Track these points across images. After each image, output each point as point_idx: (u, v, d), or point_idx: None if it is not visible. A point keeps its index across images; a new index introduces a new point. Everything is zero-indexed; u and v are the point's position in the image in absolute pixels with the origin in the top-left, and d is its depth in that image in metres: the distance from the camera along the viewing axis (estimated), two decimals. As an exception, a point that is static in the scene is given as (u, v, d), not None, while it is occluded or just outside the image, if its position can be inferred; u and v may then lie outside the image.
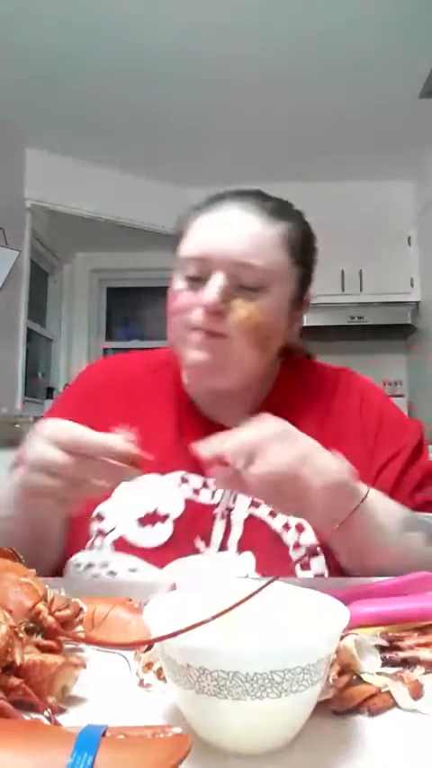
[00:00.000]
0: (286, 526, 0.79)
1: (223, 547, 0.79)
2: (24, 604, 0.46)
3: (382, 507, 0.72)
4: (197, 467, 0.81)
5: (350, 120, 3.35)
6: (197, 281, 0.80)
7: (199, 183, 3.91)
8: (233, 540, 0.79)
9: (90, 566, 0.80)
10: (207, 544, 0.79)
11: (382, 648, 0.47)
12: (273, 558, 0.78)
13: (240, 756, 0.36)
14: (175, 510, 0.80)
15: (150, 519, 0.80)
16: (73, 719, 0.39)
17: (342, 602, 0.40)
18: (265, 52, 2.84)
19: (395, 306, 4.00)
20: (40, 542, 0.76)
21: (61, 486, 0.61)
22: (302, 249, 0.85)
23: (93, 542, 0.80)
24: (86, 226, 4.07)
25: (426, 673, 0.46)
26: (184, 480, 0.82)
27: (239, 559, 0.79)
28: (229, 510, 0.81)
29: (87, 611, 0.52)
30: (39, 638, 0.44)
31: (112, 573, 0.79)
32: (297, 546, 0.79)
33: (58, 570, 0.82)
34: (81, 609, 0.51)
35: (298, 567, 0.78)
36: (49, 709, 0.38)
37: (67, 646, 0.48)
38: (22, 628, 0.43)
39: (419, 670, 0.46)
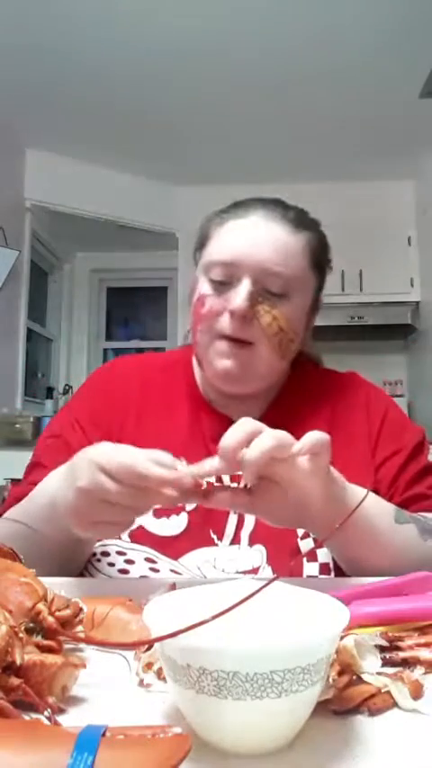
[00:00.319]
0: None
1: (236, 539, 0.82)
2: (24, 604, 0.46)
3: (376, 511, 0.72)
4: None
5: (350, 120, 3.36)
6: (222, 285, 0.82)
7: (199, 183, 3.93)
8: (245, 533, 0.82)
9: (105, 554, 0.82)
10: (220, 537, 0.82)
11: (382, 648, 0.47)
12: (283, 551, 0.81)
13: (240, 756, 0.36)
14: None
15: (166, 510, 0.81)
16: (73, 719, 0.39)
17: (342, 602, 0.40)
18: (265, 52, 2.84)
19: (395, 306, 4.01)
20: (71, 558, 0.77)
21: (116, 513, 0.58)
22: (321, 257, 0.88)
23: None
24: (86, 226, 4.08)
25: (426, 673, 0.46)
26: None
27: (251, 552, 0.81)
28: None
29: (87, 611, 0.52)
30: (39, 638, 0.44)
31: (129, 562, 0.81)
32: (306, 536, 0.81)
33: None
34: (81, 609, 0.51)
35: (304, 558, 0.81)
36: (49, 709, 0.38)
37: (67, 646, 0.48)
38: (22, 628, 0.43)
39: (419, 670, 0.46)
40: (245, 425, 0.58)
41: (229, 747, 0.36)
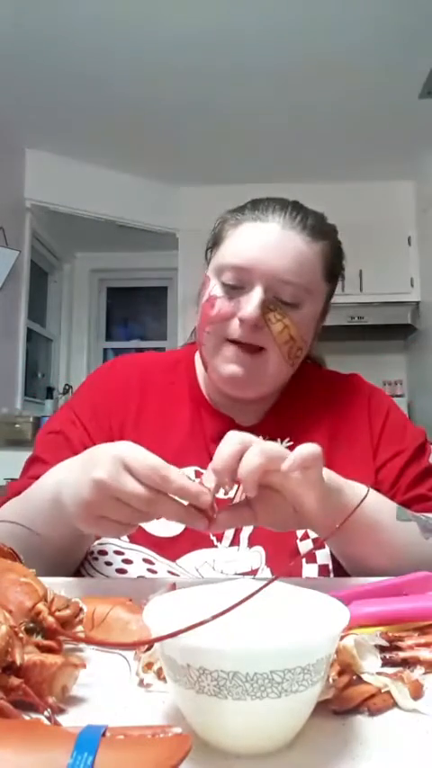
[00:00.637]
0: None
1: (235, 540, 0.82)
2: (24, 604, 0.46)
3: (378, 508, 0.72)
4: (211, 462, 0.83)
5: (350, 120, 3.35)
6: (234, 290, 0.81)
7: (199, 183, 3.93)
8: (245, 535, 0.82)
9: (103, 553, 0.81)
10: (219, 538, 0.82)
11: (382, 648, 0.47)
12: (282, 552, 0.80)
13: (240, 756, 0.36)
14: None
15: None
16: (73, 719, 0.39)
17: (342, 602, 0.40)
18: (266, 52, 2.84)
19: (395, 306, 4.00)
20: (68, 554, 0.76)
21: (124, 514, 0.57)
22: (335, 266, 0.87)
23: None
24: (86, 226, 4.08)
25: (426, 673, 0.46)
26: (198, 475, 0.83)
27: (250, 554, 0.81)
28: None
29: (87, 611, 0.52)
30: (39, 638, 0.44)
31: (126, 561, 0.80)
32: (305, 537, 0.81)
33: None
34: (81, 609, 0.51)
35: (303, 559, 0.81)
36: (49, 709, 0.38)
37: (67, 646, 0.48)
38: (22, 628, 0.43)
39: (419, 670, 0.46)
40: (232, 442, 0.58)
41: (230, 747, 0.36)
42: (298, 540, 0.81)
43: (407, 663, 0.47)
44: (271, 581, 0.39)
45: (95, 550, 0.82)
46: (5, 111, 3.29)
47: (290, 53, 2.84)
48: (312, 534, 0.81)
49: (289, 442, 0.85)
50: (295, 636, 0.37)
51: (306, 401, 0.91)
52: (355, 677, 0.43)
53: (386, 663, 0.46)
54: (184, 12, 2.60)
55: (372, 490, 0.73)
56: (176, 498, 0.56)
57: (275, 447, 0.58)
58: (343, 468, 0.68)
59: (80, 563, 0.82)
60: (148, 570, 0.80)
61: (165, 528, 0.81)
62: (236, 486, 0.80)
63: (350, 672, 0.43)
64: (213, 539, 0.81)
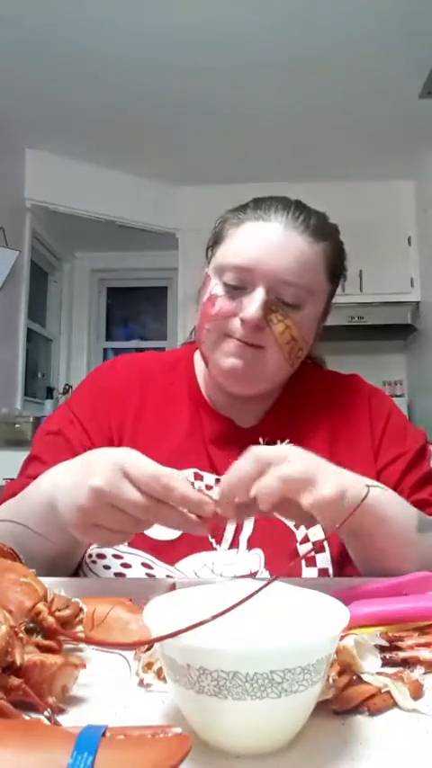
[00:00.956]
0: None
1: (234, 543, 0.81)
2: (24, 604, 0.46)
3: (388, 502, 0.70)
4: (210, 464, 0.83)
5: (350, 120, 3.35)
6: (235, 289, 0.80)
7: (199, 182, 3.93)
8: (244, 537, 0.81)
9: (101, 556, 0.81)
10: (218, 541, 0.81)
11: (382, 648, 0.47)
12: (281, 555, 0.80)
13: (240, 756, 0.36)
14: None
15: None
16: (73, 719, 0.39)
17: (342, 602, 0.40)
18: (266, 52, 2.84)
19: (395, 306, 4.00)
20: (67, 558, 0.76)
21: (120, 522, 0.56)
22: (337, 267, 0.87)
23: None
24: (86, 226, 4.08)
25: (426, 673, 0.46)
26: (198, 477, 0.83)
27: (249, 556, 0.80)
28: None
29: (87, 611, 0.52)
30: (39, 638, 0.44)
31: (125, 566, 0.80)
32: (305, 540, 0.81)
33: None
34: (81, 609, 0.51)
35: (303, 562, 0.80)
36: (49, 709, 0.38)
37: (66, 646, 0.48)
38: (22, 628, 0.43)
39: (419, 670, 0.46)
40: (248, 461, 0.58)
41: (230, 747, 0.36)
42: (297, 544, 0.81)
43: (407, 663, 0.47)
44: (271, 581, 0.39)
45: (93, 553, 0.81)
46: (5, 111, 3.29)
47: (290, 53, 2.84)
48: (312, 537, 0.81)
49: (288, 443, 0.85)
50: (295, 636, 0.37)
51: (306, 401, 0.91)
52: (355, 677, 0.43)
53: (386, 663, 0.46)
54: (185, 12, 2.60)
55: (373, 488, 0.72)
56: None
57: (295, 471, 0.57)
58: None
59: (78, 566, 0.81)
60: (147, 575, 0.79)
61: (163, 531, 0.80)
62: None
63: (350, 672, 0.43)
64: (212, 542, 0.81)
